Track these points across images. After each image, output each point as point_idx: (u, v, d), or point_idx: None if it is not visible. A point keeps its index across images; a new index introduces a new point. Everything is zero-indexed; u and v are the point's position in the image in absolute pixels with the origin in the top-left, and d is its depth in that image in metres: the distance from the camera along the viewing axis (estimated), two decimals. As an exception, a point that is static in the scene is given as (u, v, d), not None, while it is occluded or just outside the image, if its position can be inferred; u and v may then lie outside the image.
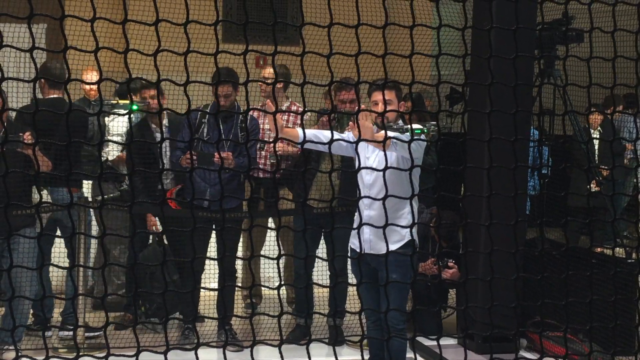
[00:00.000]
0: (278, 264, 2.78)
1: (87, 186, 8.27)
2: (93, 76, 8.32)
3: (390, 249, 5.27)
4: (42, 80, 6.92)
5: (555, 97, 7.93)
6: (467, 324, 6.93)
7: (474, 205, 6.66)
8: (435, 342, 2.81)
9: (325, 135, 5.28)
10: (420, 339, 7.00)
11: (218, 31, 2.55)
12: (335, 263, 7.13)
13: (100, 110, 2.62)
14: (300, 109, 7.74)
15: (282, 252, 7.77)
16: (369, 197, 3.44)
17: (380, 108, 5.23)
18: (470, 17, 6.80)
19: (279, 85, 7.61)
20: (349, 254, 5.72)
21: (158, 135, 7.07)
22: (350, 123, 4.89)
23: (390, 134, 4.83)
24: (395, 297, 5.25)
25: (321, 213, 7.14)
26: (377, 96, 5.32)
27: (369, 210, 5.34)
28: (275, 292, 7.31)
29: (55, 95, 7.10)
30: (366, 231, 5.38)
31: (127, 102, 6.74)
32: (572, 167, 10.02)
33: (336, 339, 7.18)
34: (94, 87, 7.97)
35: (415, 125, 5.10)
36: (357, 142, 2.95)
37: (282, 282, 4.48)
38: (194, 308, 7.07)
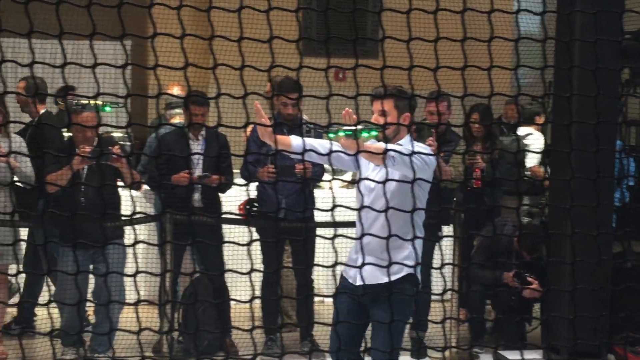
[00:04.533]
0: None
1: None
2: (176, 91, 8.52)
3: (379, 281, 4.58)
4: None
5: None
6: (552, 337, 6.85)
7: (558, 217, 6.60)
8: (519, 357, 2.81)
9: (323, 146, 4.51)
10: (503, 352, 6.94)
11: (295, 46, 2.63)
12: (419, 274, 7.11)
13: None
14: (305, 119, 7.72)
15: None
16: (366, 234, 3.17)
17: (375, 119, 4.64)
18: (552, 28, 6.74)
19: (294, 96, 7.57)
20: (337, 283, 4.88)
21: (193, 145, 7.16)
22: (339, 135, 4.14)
23: (389, 146, 4.30)
24: (383, 338, 4.53)
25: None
26: (375, 106, 4.68)
27: (365, 236, 4.52)
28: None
29: (44, 110, 7.62)
30: (359, 260, 4.57)
31: (99, 102, 6.72)
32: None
33: (419, 351, 7.17)
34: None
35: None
36: (355, 154, 2.88)
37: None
38: (274, 317, 7.19)
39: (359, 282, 4.67)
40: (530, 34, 10.82)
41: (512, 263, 7.43)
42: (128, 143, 7.02)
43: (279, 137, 4.63)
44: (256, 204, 7.28)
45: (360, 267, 4.54)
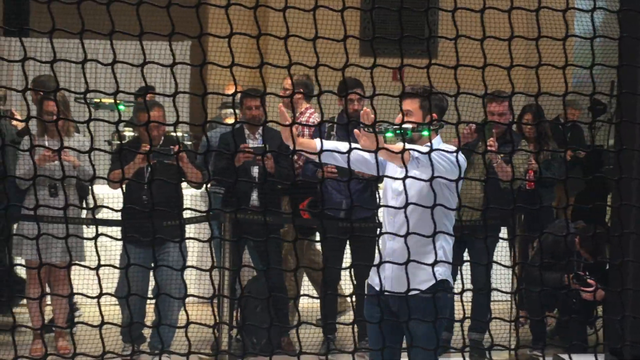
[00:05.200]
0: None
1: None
2: (232, 90, 8.56)
3: (414, 291, 4.22)
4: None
5: None
6: (613, 340, 6.74)
7: (621, 218, 6.48)
8: None
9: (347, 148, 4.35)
10: (564, 355, 6.85)
11: (355, 45, 2.63)
12: (479, 275, 7.07)
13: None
14: (315, 115, 7.71)
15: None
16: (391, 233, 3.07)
17: (399, 119, 4.40)
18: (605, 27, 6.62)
19: (298, 96, 7.60)
20: (365, 292, 4.72)
21: (251, 142, 7.17)
22: (355, 130, 3.99)
23: (418, 149, 4.10)
24: (422, 352, 4.27)
25: (467, 225, 7.09)
26: (405, 105, 4.49)
27: (392, 242, 4.41)
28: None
29: None
30: (387, 266, 4.32)
31: (111, 101, 6.70)
32: None
33: (479, 353, 7.11)
34: None
35: (406, 125, 4.22)
36: (375, 151, 2.83)
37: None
38: (332, 317, 7.22)
39: (387, 289, 4.40)
40: (583, 34, 10.66)
41: (574, 265, 7.34)
42: (188, 142, 7.10)
43: (303, 140, 4.51)
44: (317, 204, 7.29)
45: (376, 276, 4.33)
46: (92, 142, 3.04)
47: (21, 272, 7.57)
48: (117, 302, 7.43)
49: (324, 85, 2.65)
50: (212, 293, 5.04)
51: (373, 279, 4.54)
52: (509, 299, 7.39)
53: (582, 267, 7.25)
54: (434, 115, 4.38)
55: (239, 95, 7.44)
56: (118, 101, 6.12)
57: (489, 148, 6.69)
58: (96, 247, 3.01)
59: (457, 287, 4.99)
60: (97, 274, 2.75)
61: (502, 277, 7.95)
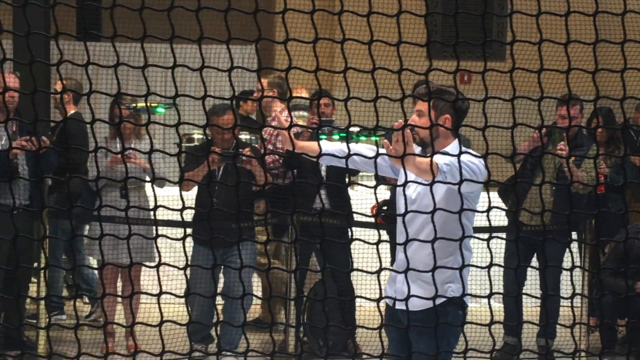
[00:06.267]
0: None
1: None
2: (303, 94, 8.62)
3: (419, 307, 4.00)
4: (69, 94, 7.30)
5: None
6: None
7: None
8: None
9: (359, 151, 4.06)
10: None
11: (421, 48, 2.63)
12: (548, 278, 6.98)
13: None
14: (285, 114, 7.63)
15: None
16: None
17: (414, 119, 4.11)
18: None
19: (273, 93, 7.52)
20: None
21: None
22: (385, 141, 3.69)
23: (441, 159, 3.79)
24: None
25: (533, 230, 7.01)
26: (417, 106, 4.20)
27: (403, 253, 3.96)
28: (480, 307, 7.26)
29: (73, 111, 7.70)
30: (399, 279, 4.11)
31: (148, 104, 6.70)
32: None
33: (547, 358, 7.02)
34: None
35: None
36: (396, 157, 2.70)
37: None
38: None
39: (398, 306, 4.13)
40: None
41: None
42: (256, 145, 7.15)
43: (304, 143, 4.29)
44: (386, 207, 7.27)
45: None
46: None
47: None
48: (184, 303, 7.53)
49: (382, 89, 2.66)
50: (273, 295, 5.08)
51: (386, 292, 4.28)
52: (579, 304, 7.28)
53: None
54: (447, 116, 4.11)
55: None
56: (155, 104, 6.18)
57: (559, 152, 6.61)
58: (156, 244, 3.05)
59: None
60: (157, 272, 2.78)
61: (569, 282, 7.82)
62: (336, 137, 3.80)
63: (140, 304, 7.50)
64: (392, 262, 4.35)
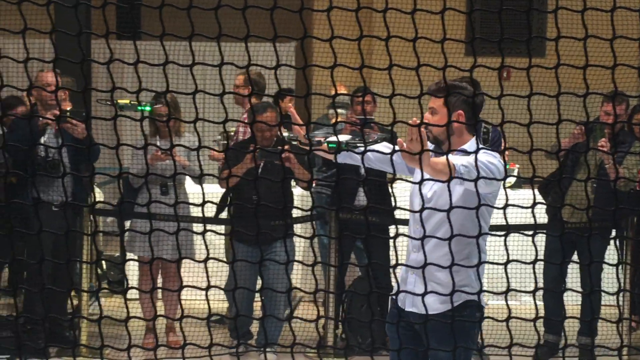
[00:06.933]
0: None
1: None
2: (342, 91, 8.62)
3: (434, 311, 3.86)
4: (65, 92, 7.26)
5: None
6: None
7: None
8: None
9: (376, 148, 3.89)
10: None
11: (460, 45, 2.63)
12: (587, 277, 6.93)
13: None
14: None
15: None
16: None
17: (427, 117, 3.95)
18: None
19: (247, 91, 7.45)
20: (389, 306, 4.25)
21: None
22: (399, 140, 3.50)
23: (459, 160, 3.64)
24: None
25: (574, 228, 6.95)
26: (430, 103, 4.00)
27: (416, 253, 3.91)
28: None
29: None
30: (410, 280, 3.99)
31: (132, 102, 6.63)
32: None
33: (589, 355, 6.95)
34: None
35: (343, 137, 3.80)
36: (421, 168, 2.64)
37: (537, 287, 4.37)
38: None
39: (408, 308, 4.00)
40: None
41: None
42: (295, 142, 7.15)
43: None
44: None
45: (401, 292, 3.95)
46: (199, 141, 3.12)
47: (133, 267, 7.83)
48: (225, 299, 7.59)
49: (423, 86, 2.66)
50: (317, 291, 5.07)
51: (397, 293, 4.09)
52: (621, 302, 7.21)
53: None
54: (461, 112, 3.91)
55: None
56: (143, 103, 6.13)
57: (600, 149, 6.55)
58: (205, 241, 3.08)
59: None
60: (206, 267, 2.81)
61: (610, 280, 7.74)
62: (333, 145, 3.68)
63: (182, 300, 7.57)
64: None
